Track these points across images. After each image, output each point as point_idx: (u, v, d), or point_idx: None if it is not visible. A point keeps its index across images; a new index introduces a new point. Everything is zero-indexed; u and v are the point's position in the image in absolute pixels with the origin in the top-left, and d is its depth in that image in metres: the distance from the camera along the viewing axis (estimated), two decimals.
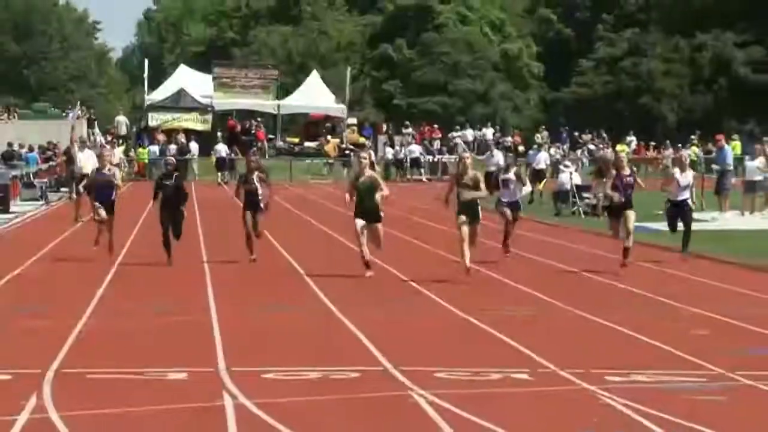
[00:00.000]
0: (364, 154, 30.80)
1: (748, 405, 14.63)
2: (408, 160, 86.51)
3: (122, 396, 14.77)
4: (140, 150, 78.05)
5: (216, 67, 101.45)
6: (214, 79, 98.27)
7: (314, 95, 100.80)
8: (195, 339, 19.00)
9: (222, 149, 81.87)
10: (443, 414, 13.85)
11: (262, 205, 30.02)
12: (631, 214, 28.66)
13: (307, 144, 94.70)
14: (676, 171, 32.48)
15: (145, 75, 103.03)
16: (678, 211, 31.32)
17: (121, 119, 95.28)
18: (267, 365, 16.92)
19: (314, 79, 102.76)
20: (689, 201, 31.81)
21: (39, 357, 17.03)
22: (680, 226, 31.45)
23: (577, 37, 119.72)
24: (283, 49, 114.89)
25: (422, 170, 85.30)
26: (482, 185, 27.67)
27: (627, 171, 28.45)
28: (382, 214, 27.73)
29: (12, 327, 20.18)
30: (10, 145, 65.39)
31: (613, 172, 29.27)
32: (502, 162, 65.28)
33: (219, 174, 78.71)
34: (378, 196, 27.76)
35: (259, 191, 29.93)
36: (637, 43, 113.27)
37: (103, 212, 30.10)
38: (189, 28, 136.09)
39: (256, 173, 30.36)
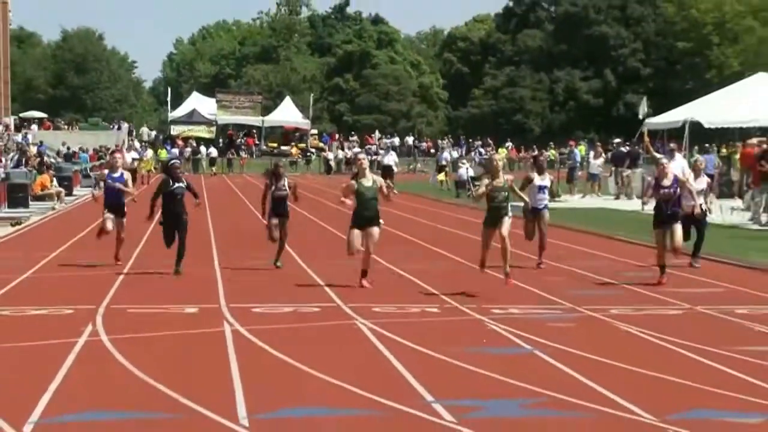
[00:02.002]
0: (362, 155, 20.74)
1: (589, 328, 14.71)
2: (352, 158, 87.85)
3: (153, 324, 14.71)
4: (161, 151, 77.89)
5: (218, 93, 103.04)
6: (217, 102, 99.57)
7: (287, 113, 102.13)
8: (204, 285, 18.92)
9: (213, 151, 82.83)
10: (377, 335, 13.88)
11: (287, 210, 21.36)
12: (677, 229, 18.75)
13: (282, 147, 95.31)
14: (691, 177, 22.74)
15: (168, 99, 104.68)
16: (691, 218, 21.19)
17: (144, 129, 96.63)
18: (255, 303, 16.88)
19: (287, 102, 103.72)
20: (703, 207, 22.12)
21: (94, 297, 16.94)
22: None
23: (471, 73, 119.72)
24: (266, 81, 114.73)
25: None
26: (518, 190, 19.10)
27: (668, 182, 18.78)
28: (381, 221, 18.92)
29: (74, 275, 20.03)
30: (69, 148, 65.50)
31: (651, 181, 20.38)
32: (397, 159, 66.28)
33: (211, 168, 79.13)
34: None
35: (289, 199, 21.29)
36: (512, 78, 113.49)
37: (110, 224, 21.28)
38: (199, 66, 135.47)
39: (286, 179, 21.33)
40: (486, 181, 18.00)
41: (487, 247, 18.11)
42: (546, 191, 22.12)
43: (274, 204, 21.27)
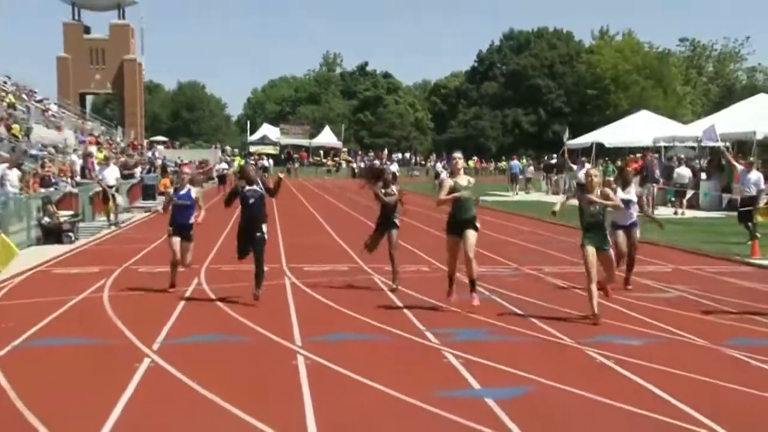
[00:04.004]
0: (457, 154, 12.33)
1: (528, 281, 14.58)
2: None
3: (237, 277, 14.64)
4: (241, 161, 77.76)
5: (281, 124, 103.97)
6: (280, 129, 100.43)
7: (327, 138, 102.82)
8: (271, 251, 18.88)
9: (265, 163, 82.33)
10: (386, 285, 13.81)
11: (397, 221, 13.67)
12: None
13: (323, 160, 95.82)
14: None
15: (248, 128, 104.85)
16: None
17: (228, 148, 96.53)
18: (305, 263, 16.86)
19: (327, 130, 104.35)
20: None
21: (200, 259, 16.76)
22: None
23: (449, 110, 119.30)
24: (312, 116, 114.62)
25: None
26: (613, 197, 11.31)
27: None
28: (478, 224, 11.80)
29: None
30: (182, 160, 65.98)
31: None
32: (398, 168, 66.83)
33: (265, 174, 78.60)
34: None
35: (397, 207, 13.68)
36: (477, 114, 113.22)
37: (177, 247, 13.28)
38: (268, 106, 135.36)
39: (393, 187, 13.66)
40: (562, 198, 11.82)
41: (593, 267, 10.93)
42: (632, 206, 13.78)
43: (382, 212, 13.77)
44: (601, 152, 48.88)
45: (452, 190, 11.61)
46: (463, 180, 11.71)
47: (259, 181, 12.53)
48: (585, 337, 9.91)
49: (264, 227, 12.42)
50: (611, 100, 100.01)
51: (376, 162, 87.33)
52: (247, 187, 12.40)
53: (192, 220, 13.37)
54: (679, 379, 8.10)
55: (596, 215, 11.01)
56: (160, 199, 38.98)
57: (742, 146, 36.39)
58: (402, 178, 62.66)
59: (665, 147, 41.40)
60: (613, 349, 9.32)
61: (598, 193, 11.06)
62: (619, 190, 13.36)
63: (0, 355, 9.05)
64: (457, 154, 12.04)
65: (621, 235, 13.57)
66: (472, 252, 11.52)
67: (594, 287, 10.86)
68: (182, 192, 13.51)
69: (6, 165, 24.41)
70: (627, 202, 13.30)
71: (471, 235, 11.50)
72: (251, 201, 12.31)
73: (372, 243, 13.86)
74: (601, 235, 11.02)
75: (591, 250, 10.86)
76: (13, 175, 23.47)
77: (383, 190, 13.62)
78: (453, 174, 11.89)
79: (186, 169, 14.18)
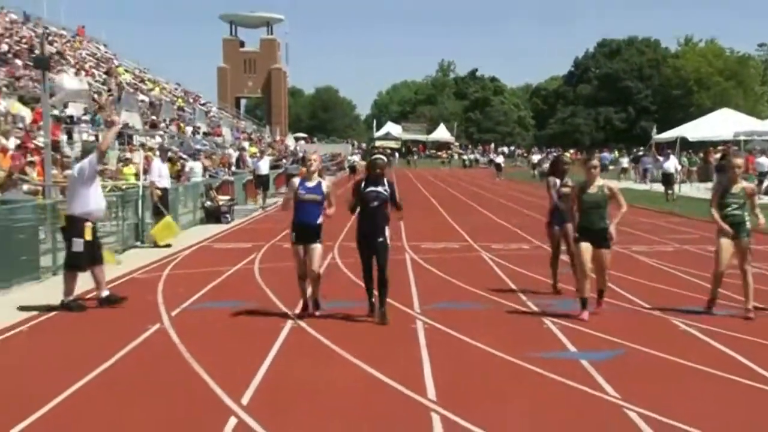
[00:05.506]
0: (594, 162, 8.86)
1: (617, 259, 14.25)
2: (476, 159, 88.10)
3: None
4: None
5: (402, 122, 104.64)
6: (402, 126, 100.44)
7: (441, 133, 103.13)
8: (393, 230, 18.95)
9: (381, 156, 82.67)
10: (494, 262, 13.61)
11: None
12: None
13: (438, 152, 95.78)
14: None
15: (374, 125, 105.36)
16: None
17: (355, 143, 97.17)
18: (422, 241, 16.88)
19: (441, 127, 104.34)
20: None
21: (332, 237, 16.68)
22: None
23: (548, 109, 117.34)
24: (429, 114, 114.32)
25: (478, 163, 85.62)
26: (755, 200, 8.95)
27: None
28: (609, 237, 8.93)
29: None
30: (306, 149, 67.22)
31: None
32: (503, 159, 65.95)
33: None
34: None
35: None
36: (573, 112, 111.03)
37: (302, 256, 9.04)
38: (391, 106, 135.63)
39: (569, 179, 10.37)
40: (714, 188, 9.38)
41: (722, 266, 9.06)
42: None
43: (557, 208, 10.51)
44: (685, 145, 47.38)
45: (580, 199, 9.04)
46: (594, 188, 8.96)
47: (386, 182, 9.01)
48: (669, 308, 9.60)
49: (387, 232, 9.04)
50: (695, 99, 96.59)
51: (465, 157, 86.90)
52: (371, 188, 8.90)
53: (321, 219, 9.12)
54: (754, 345, 7.78)
55: (735, 209, 8.98)
56: None
57: None
58: (506, 169, 62.00)
59: (745, 140, 40.17)
60: (695, 318, 9.01)
61: (742, 185, 9.05)
62: None
63: (172, 315, 9.41)
64: (594, 161, 9.10)
65: None
66: (600, 269, 9.12)
67: (716, 287, 9.22)
68: (311, 185, 9.09)
69: (191, 160, 25.07)
70: None
71: (604, 254, 9.04)
72: (374, 204, 8.91)
73: (554, 244, 10.85)
74: (742, 228, 8.98)
75: (725, 254, 9.02)
76: (198, 167, 23.93)
77: (558, 182, 10.47)
78: (587, 183, 9.00)
79: (314, 156, 9.19)
